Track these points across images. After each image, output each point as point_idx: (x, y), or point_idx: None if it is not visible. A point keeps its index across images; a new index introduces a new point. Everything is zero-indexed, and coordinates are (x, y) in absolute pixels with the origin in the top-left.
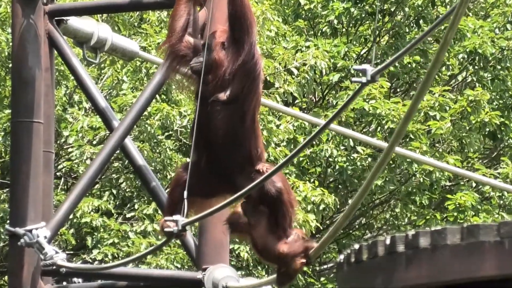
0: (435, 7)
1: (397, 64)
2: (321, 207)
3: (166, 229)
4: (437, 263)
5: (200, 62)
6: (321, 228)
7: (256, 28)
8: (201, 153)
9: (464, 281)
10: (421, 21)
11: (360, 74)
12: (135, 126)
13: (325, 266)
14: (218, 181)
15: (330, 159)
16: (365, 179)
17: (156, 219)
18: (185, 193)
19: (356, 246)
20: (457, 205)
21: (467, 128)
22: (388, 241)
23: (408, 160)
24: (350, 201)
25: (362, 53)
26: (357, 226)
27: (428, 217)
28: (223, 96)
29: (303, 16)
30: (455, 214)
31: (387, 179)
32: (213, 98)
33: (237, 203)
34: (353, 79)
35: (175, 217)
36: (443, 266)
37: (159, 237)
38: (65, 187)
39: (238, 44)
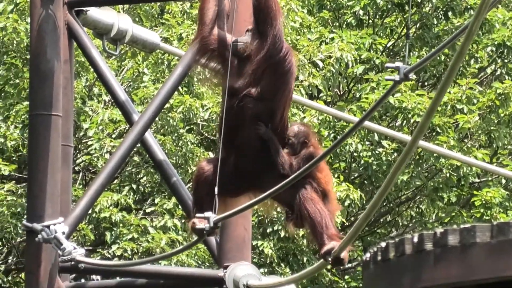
0: None
1: (424, 56)
2: (346, 203)
3: (197, 227)
4: (467, 262)
5: (243, 43)
6: (347, 224)
7: (280, 20)
8: (229, 150)
9: (494, 280)
10: (449, 13)
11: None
12: (156, 119)
13: (349, 265)
14: (245, 179)
15: (355, 154)
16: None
17: (177, 214)
18: (216, 189)
19: (383, 244)
20: (484, 201)
21: (496, 121)
22: (415, 239)
23: (435, 155)
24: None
25: (388, 45)
26: (382, 224)
27: (453, 213)
28: (254, 91)
29: (328, 7)
30: (482, 210)
31: (413, 174)
32: (245, 93)
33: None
34: (386, 77)
35: (206, 214)
36: (472, 265)
37: (182, 232)
38: (84, 181)
39: (262, 37)
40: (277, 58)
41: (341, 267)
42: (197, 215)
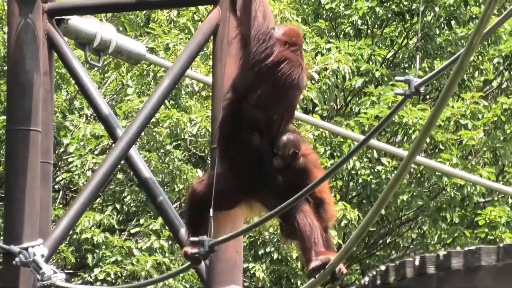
0: (468, 7)
1: (427, 69)
2: (343, 223)
3: (192, 251)
4: (472, 286)
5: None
6: (343, 246)
7: (266, 24)
8: (224, 160)
9: None
10: (453, 22)
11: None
12: (141, 135)
13: None
14: (243, 190)
15: (353, 172)
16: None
17: (163, 235)
18: (211, 211)
19: (382, 267)
20: (488, 221)
21: (502, 138)
22: (417, 262)
23: (437, 173)
24: (373, 218)
25: (388, 56)
26: (381, 245)
27: (456, 234)
28: (252, 97)
29: (324, 16)
30: (486, 230)
31: (414, 193)
32: (244, 98)
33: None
34: (396, 91)
35: (201, 237)
36: None
37: (169, 254)
38: (64, 201)
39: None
40: (264, 64)
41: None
42: (191, 239)
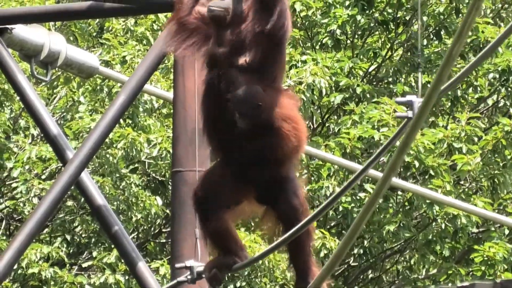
0: (460, 15)
1: (413, 84)
2: (322, 254)
3: (179, 279)
4: None
5: (222, 9)
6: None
7: None
8: (220, 148)
9: None
10: (442, 32)
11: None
12: (93, 157)
13: None
14: (243, 182)
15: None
16: (378, 224)
17: (119, 269)
18: (196, 231)
19: None
20: (485, 258)
21: (501, 164)
22: None
23: (427, 201)
24: (356, 250)
25: (370, 70)
26: (363, 281)
27: (450, 271)
28: (242, 60)
29: (299, 25)
30: (483, 268)
31: (402, 224)
32: (229, 63)
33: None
34: (397, 114)
35: (188, 262)
36: None
37: None
38: (8, 231)
39: (266, 10)
40: (277, 33)
41: None
42: (177, 265)
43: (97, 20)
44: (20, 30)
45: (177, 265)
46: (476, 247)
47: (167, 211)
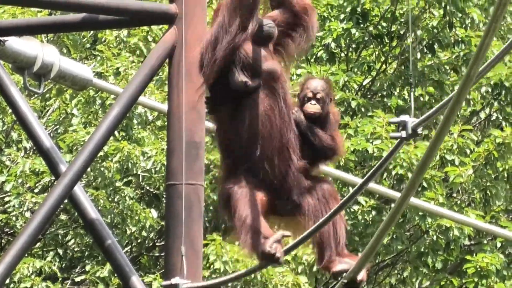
0: (453, 29)
1: (406, 97)
2: (314, 268)
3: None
4: None
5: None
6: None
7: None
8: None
9: None
10: (436, 45)
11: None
12: (87, 170)
13: None
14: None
15: None
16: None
17: (112, 283)
18: (182, 248)
19: None
20: (478, 269)
21: (493, 176)
22: None
23: (420, 213)
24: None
25: (364, 83)
26: None
27: (443, 282)
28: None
29: None
30: (476, 279)
31: (394, 236)
32: (271, 76)
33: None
34: (391, 134)
35: (174, 280)
36: None
37: None
38: (0, 245)
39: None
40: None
41: None
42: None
43: (91, 31)
44: (13, 42)
45: (164, 283)
46: (468, 257)
47: (162, 223)
